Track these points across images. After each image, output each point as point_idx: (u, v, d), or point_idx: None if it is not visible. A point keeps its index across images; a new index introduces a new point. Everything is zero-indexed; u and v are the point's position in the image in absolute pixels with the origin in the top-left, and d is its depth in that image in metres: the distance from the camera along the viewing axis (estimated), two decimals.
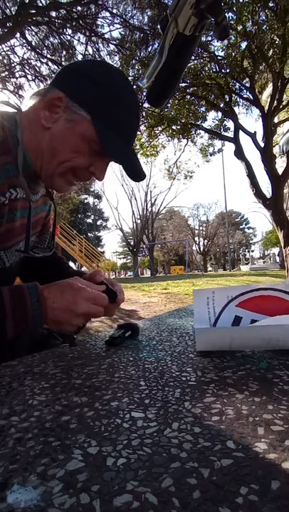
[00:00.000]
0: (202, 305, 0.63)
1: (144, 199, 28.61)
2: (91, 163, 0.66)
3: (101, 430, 0.31)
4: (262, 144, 6.72)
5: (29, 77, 8.31)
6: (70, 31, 7.87)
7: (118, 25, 7.84)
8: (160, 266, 39.46)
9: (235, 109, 7.32)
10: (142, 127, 7.33)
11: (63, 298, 0.57)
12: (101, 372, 0.48)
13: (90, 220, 37.28)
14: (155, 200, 33.06)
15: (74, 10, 7.27)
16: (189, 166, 21.69)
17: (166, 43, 0.60)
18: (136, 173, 0.67)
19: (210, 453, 0.27)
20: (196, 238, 36.72)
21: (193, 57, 6.13)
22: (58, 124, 0.63)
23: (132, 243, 29.56)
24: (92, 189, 32.53)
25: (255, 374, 0.44)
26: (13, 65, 8.26)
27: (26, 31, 7.61)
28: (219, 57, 6.58)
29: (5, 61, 8.22)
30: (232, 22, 5.50)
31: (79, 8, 7.37)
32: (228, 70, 6.43)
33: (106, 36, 8.13)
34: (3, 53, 7.96)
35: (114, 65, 1.09)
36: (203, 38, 5.91)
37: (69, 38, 8.02)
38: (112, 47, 8.17)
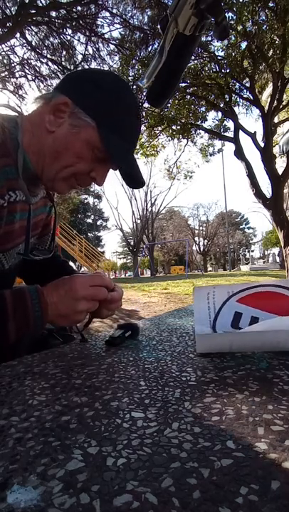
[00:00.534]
0: (202, 301, 0.63)
1: (144, 199, 28.69)
2: (92, 169, 0.67)
3: (101, 430, 0.31)
4: (262, 144, 6.71)
5: (29, 77, 8.34)
6: (70, 31, 7.89)
7: (118, 25, 7.86)
8: (160, 266, 39.46)
9: (235, 109, 7.32)
10: (142, 127, 7.32)
11: (61, 288, 0.59)
12: (101, 372, 0.48)
13: (90, 220, 37.32)
14: (155, 200, 33.15)
15: (74, 10, 7.28)
16: (189, 166, 21.73)
17: (166, 43, 0.60)
18: (135, 182, 0.69)
19: (210, 453, 0.27)
20: (196, 238, 36.74)
21: (193, 57, 6.12)
22: (62, 129, 0.63)
23: (132, 243, 29.57)
24: (92, 189, 32.61)
25: (255, 374, 0.44)
26: (13, 65, 8.27)
27: (26, 31, 7.62)
28: (219, 57, 6.57)
29: (5, 61, 8.23)
30: (232, 22, 5.49)
31: (79, 8, 7.38)
32: (228, 70, 6.41)
33: (106, 36, 8.16)
34: (3, 53, 7.99)
35: (113, 72, 1.12)
36: (203, 38, 5.90)
37: (69, 38, 8.04)
38: (112, 47, 8.19)
